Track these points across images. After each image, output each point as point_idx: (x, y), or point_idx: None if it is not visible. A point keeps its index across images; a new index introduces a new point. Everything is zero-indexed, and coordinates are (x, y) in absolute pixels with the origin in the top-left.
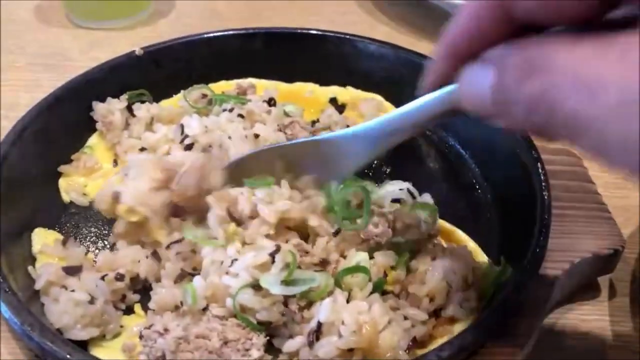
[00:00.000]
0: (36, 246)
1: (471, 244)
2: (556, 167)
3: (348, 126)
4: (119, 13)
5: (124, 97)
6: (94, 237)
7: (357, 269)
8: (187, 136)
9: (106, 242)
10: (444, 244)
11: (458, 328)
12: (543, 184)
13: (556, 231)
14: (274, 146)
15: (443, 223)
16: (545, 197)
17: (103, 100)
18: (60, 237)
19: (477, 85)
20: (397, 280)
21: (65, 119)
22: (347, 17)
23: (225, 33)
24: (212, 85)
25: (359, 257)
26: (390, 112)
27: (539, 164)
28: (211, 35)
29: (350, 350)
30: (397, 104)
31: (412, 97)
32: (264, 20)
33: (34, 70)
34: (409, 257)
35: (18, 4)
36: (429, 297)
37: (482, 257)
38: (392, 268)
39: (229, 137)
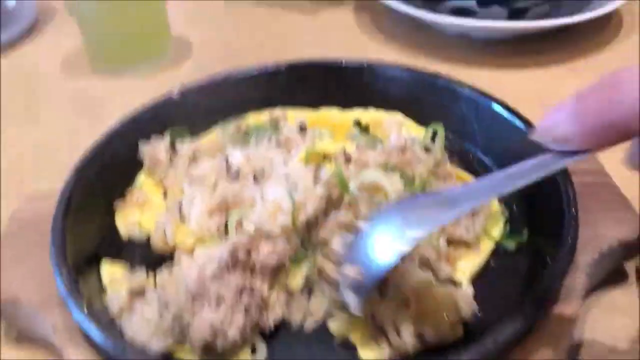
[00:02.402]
0: (105, 278)
1: None
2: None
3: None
4: (141, 55)
5: (167, 134)
6: (153, 265)
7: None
8: (232, 166)
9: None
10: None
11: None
12: (566, 178)
13: (580, 222)
14: None
15: (460, 172)
16: (570, 190)
17: (147, 139)
18: (125, 267)
19: None
20: None
21: (115, 160)
22: (358, 45)
23: (253, 70)
24: (245, 118)
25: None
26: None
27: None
28: (240, 73)
29: None
30: (416, 119)
31: (429, 113)
32: (279, 55)
33: (69, 119)
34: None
35: (43, 58)
36: None
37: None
38: None
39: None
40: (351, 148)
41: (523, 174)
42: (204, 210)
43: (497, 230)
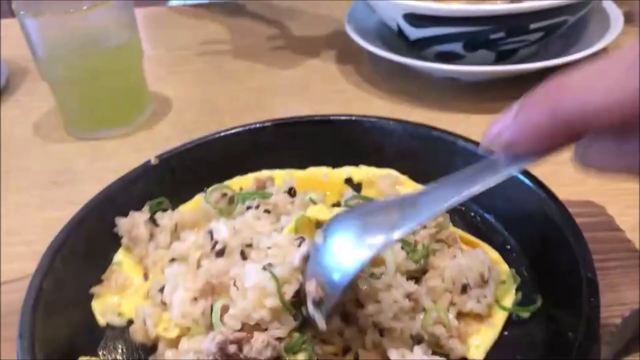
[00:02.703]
0: None
1: (493, 254)
2: (583, 220)
3: None
4: (118, 121)
5: (146, 208)
6: (135, 357)
7: None
8: (217, 242)
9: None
10: (463, 247)
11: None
12: (580, 239)
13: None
14: None
15: (466, 235)
16: (586, 255)
17: (124, 214)
18: None
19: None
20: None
21: (90, 240)
22: (342, 95)
23: (234, 131)
24: (228, 182)
25: None
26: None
27: (569, 219)
28: (221, 134)
29: None
30: (411, 175)
31: (424, 168)
32: (259, 108)
33: (43, 189)
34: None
35: (16, 123)
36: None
37: (504, 265)
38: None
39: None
40: None
41: (478, 177)
42: (187, 297)
43: (510, 298)
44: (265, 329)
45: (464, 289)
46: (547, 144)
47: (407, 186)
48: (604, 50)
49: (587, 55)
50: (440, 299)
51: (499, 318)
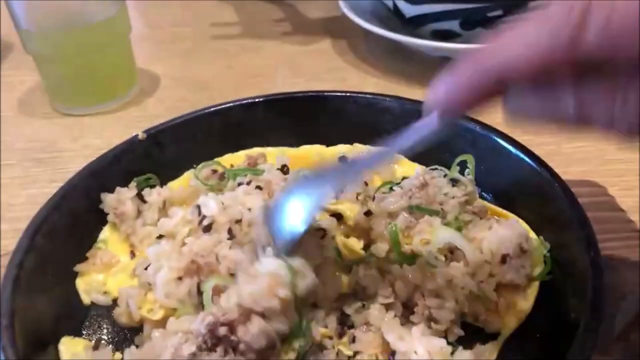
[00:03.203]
0: (65, 356)
1: (523, 224)
2: (584, 200)
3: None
4: (105, 97)
5: (133, 184)
6: (121, 337)
7: None
8: (204, 217)
9: (134, 340)
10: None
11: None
12: (584, 220)
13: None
14: None
15: (492, 206)
16: (591, 236)
17: (110, 190)
18: (89, 343)
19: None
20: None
21: (74, 216)
22: (336, 73)
23: (226, 106)
24: (219, 159)
25: None
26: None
27: (573, 199)
28: (212, 109)
29: None
30: (408, 155)
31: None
32: (251, 86)
33: (27, 167)
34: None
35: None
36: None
37: (533, 234)
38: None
39: (249, 210)
40: (355, 209)
41: (411, 134)
42: (171, 277)
43: (540, 268)
44: (266, 318)
45: (504, 259)
46: (479, 96)
47: (404, 165)
48: None
49: None
50: (480, 271)
51: (532, 289)
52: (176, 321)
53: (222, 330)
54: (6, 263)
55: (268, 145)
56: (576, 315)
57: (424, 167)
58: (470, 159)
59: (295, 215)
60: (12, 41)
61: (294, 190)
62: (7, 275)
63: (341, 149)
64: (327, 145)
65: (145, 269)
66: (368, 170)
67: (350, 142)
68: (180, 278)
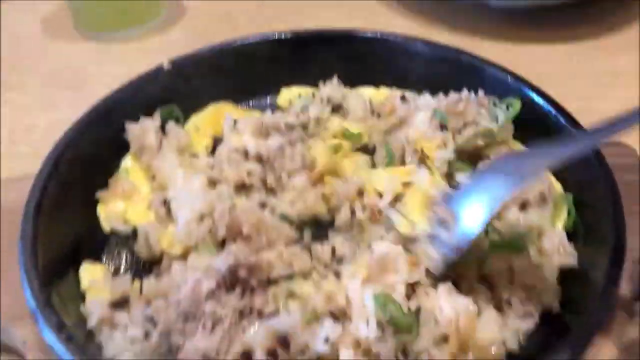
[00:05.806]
0: (85, 282)
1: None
2: (612, 160)
3: None
4: (130, 22)
5: (157, 115)
6: (140, 266)
7: None
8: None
9: (152, 269)
10: None
11: None
12: (611, 182)
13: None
14: None
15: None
16: (616, 199)
17: (132, 118)
18: (108, 270)
19: None
20: None
21: (97, 143)
22: (363, 13)
23: (254, 39)
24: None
25: None
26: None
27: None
28: (239, 43)
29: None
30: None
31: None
32: (278, 22)
33: (48, 91)
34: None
35: (22, 18)
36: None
37: (558, 185)
38: None
39: None
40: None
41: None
42: (192, 217)
43: (562, 220)
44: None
45: (523, 205)
46: None
47: None
48: None
49: None
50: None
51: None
52: (198, 257)
53: (243, 272)
54: (25, 187)
55: (293, 83)
56: (595, 269)
57: None
58: (517, 103)
59: (472, 216)
60: None
61: (473, 186)
62: (30, 199)
63: (367, 91)
64: (352, 87)
65: (162, 203)
66: (551, 165)
67: (377, 85)
68: (202, 218)
